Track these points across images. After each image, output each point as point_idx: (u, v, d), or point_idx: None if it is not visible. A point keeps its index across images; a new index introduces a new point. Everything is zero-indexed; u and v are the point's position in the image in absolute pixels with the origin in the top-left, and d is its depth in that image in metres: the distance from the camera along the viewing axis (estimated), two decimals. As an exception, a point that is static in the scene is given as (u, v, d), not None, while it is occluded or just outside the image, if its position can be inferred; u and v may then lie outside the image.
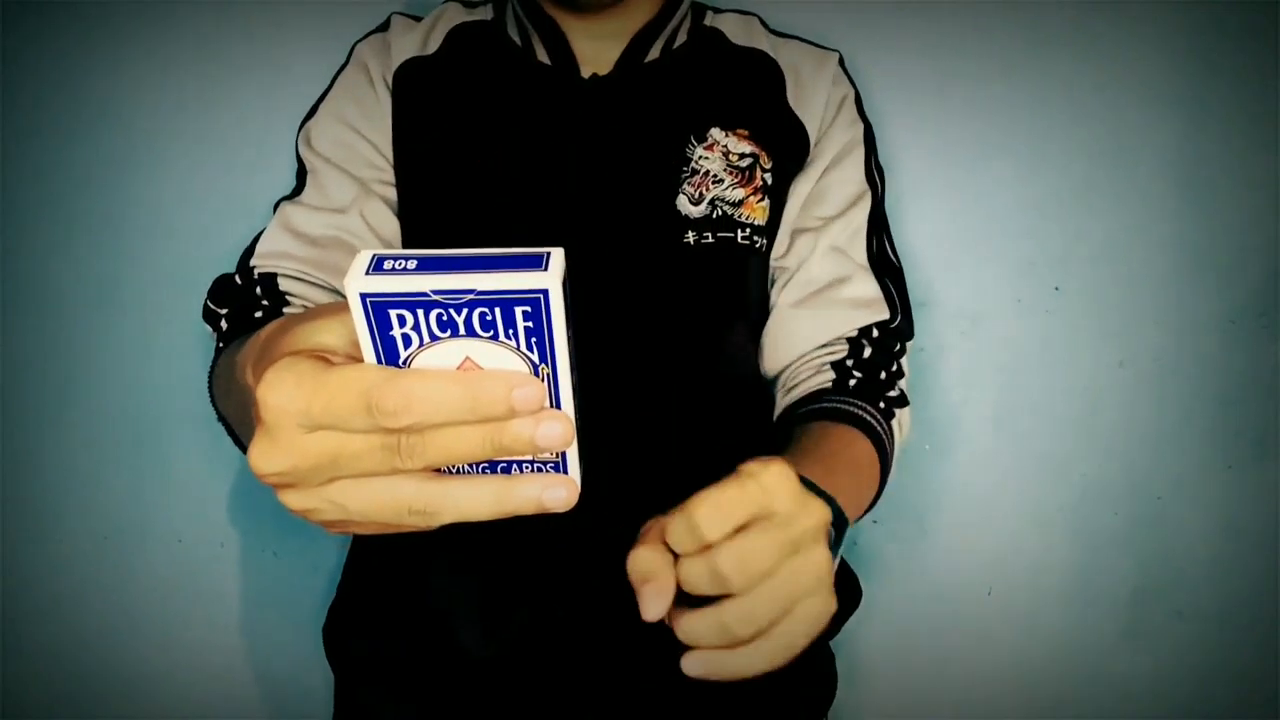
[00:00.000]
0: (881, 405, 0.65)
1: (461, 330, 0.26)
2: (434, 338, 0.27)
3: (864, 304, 0.67)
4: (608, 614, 0.61)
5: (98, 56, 0.85)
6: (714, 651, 0.35)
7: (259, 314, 0.59)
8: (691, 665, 0.36)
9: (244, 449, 0.60)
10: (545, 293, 0.26)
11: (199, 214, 0.87)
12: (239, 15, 0.85)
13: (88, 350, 0.87)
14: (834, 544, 0.41)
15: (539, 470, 0.31)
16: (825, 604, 0.36)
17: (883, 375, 0.66)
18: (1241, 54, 0.85)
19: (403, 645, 0.63)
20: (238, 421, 0.51)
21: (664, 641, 0.61)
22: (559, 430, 0.27)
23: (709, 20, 0.72)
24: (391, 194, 0.67)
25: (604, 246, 0.63)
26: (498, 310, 0.26)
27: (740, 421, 0.67)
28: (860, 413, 0.63)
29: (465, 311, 0.26)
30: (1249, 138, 0.86)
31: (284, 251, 0.62)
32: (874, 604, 0.89)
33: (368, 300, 0.26)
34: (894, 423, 0.65)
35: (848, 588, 0.73)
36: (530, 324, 0.26)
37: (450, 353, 0.27)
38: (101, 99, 0.85)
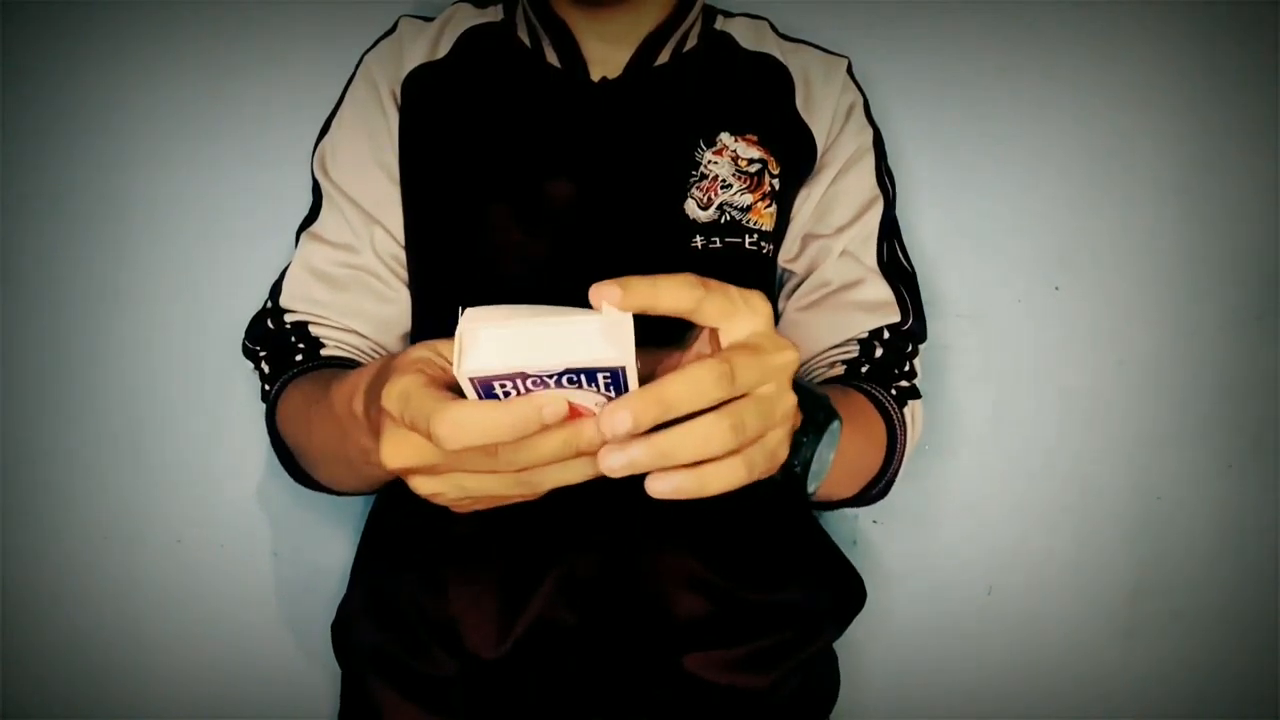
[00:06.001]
0: (893, 392, 0.64)
1: (552, 386, 0.33)
2: (529, 390, 0.33)
3: (876, 307, 0.66)
4: (615, 617, 0.61)
5: (98, 56, 0.85)
6: (684, 471, 0.33)
7: (299, 356, 0.64)
8: (660, 483, 0.33)
9: (298, 475, 0.63)
10: (623, 369, 0.32)
11: (199, 214, 0.86)
12: (241, 14, 0.85)
13: (88, 350, 0.87)
14: (815, 429, 0.41)
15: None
16: (784, 445, 0.37)
17: (895, 371, 0.66)
18: (1242, 55, 0.86)
19: (411, 643, 0.63)
20: (329, 451, 0.54)
21: (668, 645, 0.61)
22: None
23: (719, 24, 0.71)
24: (398, 213, 0.68)
25: (612, 249, 0.63)
26: (583, 375, 0.32)
27: None
28: (871, 389, 0.63)
29: (556, 377, 0.32)
30: (1249, 138, 0.86)
31: (309, 296, 0.66)
32: (874, 604, 0.88)
33: (476, 381, 0.32)
34: (906, 411, 0.64)
35: (852, 589, 0.73)
36: (609, 380, 0.33)
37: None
38: (102, 98, 0.85)
